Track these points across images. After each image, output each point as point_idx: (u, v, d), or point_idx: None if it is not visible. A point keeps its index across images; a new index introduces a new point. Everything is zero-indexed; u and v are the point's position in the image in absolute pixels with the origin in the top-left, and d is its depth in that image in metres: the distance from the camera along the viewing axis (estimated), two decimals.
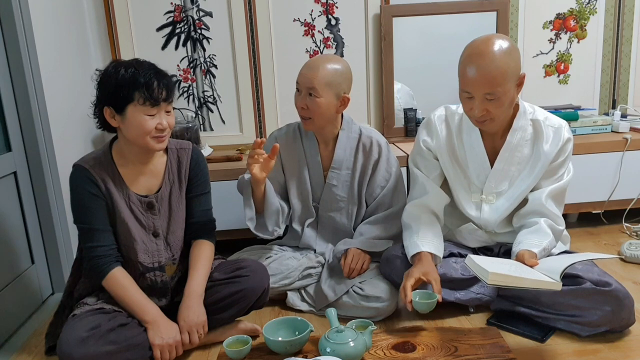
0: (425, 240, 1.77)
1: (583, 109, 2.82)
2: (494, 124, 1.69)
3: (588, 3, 2.83)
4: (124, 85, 1.51)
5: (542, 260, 1.58)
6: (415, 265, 1.72)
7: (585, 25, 2.85)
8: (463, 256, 1.85)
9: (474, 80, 1.60)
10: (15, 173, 1.96)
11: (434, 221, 1.84)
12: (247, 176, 1.88)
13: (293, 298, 1.96)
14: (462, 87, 1.66)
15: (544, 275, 1.48)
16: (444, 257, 1.84)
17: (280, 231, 1.95)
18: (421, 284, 1.71)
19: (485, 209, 1.82)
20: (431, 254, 1.75)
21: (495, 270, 1.43)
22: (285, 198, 2.04)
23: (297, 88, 1.90)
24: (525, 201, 1.77)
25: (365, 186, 2.01)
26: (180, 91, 2.76)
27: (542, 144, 1.73)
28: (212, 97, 2.79)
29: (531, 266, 1.54)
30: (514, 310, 1.75)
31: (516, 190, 1.78)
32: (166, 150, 1.71)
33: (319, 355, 1.50)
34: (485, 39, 1.63)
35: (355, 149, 1.99)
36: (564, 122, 1.76)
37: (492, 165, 1.78)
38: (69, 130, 2.24)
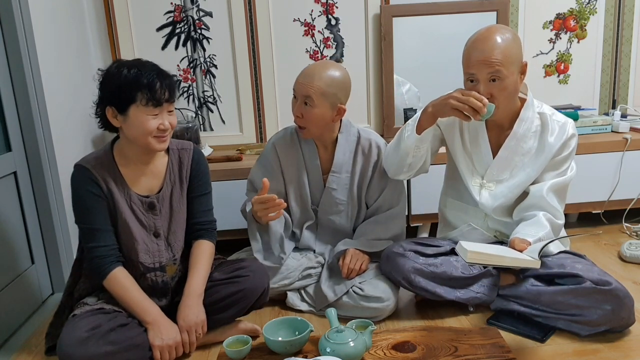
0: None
1: (583, 109, 2.82)
2: (498, 113, 1.70)
3: (588, 3, 2.82)
4: (126, 86, 1.51)
5: (530, 246, 1.60)
6: (438, 99, 1.69)
7: (585, 25, 2.85)
8: None
9: (477, 61, 1.65)
10: (15, 173, 1.96)
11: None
12: (248, 207, 1.90)
13: (293, 298, 1.96)
14: (466, 72, 1.69)
15: (525, 255, 1.51)
16: (444, 255, 1.85)
17: (286, 258, 1.95)
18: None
19: (484, 194, 1.84)
20: None
21: (476, 249, 1.47)
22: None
23: (294, 95, 1.90)
24: (525, 195, 1.78)
25: (364, 189, 2.01)
26: (180, 91, 2.76)
27: (547, 136, 1.76)
28: (212, 97, 2.79)
29: (520, 251, 1.56)
30: (514, 310, 1.75)
31: (516, 179, 1.79)
32: (167, 150, 1.71)
33: (319, 355, 1.50)
34: (488, 27, 1.70)
35: (354, 151, 1.98)
36: (570, 120, 1.79)
37: (495, 155, 1.81)
38: (69, 130, 2.24)
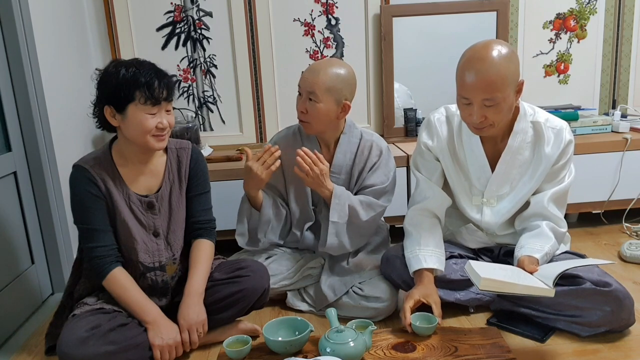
0: (427, 252, 1.75)
1: (583, 109, 2.82)
2: (493, 130, 1.66)
3: (588, 3, 2.83)
4: (125, 85, 1.51)
5: (541, 267, 1.58)
6: (417, 286, 1.72)
7: (585, 25, 2.85)
8: (463, 257, 1.86)
9: (473, 85, 1.57)
10: (15, 173, 1.96)
11: (435, 227, 1.83)
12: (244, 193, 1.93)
13: (293, 298, 1.96)
14: (460, 93, 1.63)
15: (538, 281, 1.48)
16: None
17: (264, 243, 1.96)
18: (421, 305, 1.71)
19: (486, 212, 1.82)
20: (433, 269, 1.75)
21: (489, 276, 1.44)
22: (285, 203, 2.04)
23: (299, 91, 1.89)
24: (527, 204, 1.77)
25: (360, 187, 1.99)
26: (180, 91, 2.76)
27: (544, 147, 1.71)
28: (212, 97, 2.79)
29: (530, 272, 1.54)
30: (514, 310, 1.75)
31: (518, 193, 1.77)
32: (166, 149, 1.71)
33: (319, 355, 1.50)
34: (484, 43, 1.59)
35: (355, 153, 1.97)
36: (564, 124, 1.74)
37: (492, 168, 1.76)
38: (69, 130, 2.24)
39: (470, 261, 1.53)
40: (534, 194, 1.75)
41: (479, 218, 1.82)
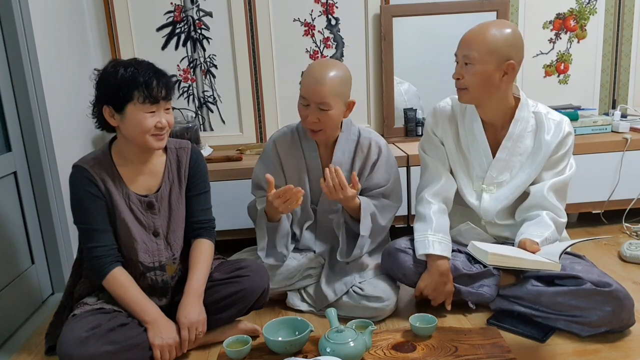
0: (437, 238, 1.79)
1: (583, 109, 2.82)
2: (467, 97, 1.73)
3: (588, 3, 2.83)
4: (123, 85, 1.51)
5: (543, 247, 1.59)
6: (432, 274, 1.76)
7: (585, 25, 2.85)
8: (462, 253, 1.86)
9: (461, 40, 1.70)
10: (15, 173, 1.96)
11: (445, 213, 1.87)
12: (259, 206, 1.90)
13: (293, 298, 1.95)
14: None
15: (543, 258, 1.49)
16: None
17: (288, 255, 1.95)
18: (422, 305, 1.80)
19: (485, 198, 1.83)
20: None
21: (495, 251, 1.45)
22: None
23: (303, 102, 1.84)
24: (526, 195, 1.78)
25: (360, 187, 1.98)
26: (180, 91, 2.76)
27: (544, 135, 1.76)
28: (212, 97, 2.79)
29: (533, 252, 1.55)
30: (514, 310, 1.75)
31: (517, 180, 1.80)
32: (165, 149, 1.71)
33: (319, 355, 1.50)
34: (501, 20, 1.77)
35: (354, 151, 1.97)
36: (565, 117, 1.79)
37: (493, 156, 1.80)
38: (69, 130, 2.24)
39: (473, 241, 1.54)
40: (533, 183, 1.78)
41: (477, 204, 1.84)
